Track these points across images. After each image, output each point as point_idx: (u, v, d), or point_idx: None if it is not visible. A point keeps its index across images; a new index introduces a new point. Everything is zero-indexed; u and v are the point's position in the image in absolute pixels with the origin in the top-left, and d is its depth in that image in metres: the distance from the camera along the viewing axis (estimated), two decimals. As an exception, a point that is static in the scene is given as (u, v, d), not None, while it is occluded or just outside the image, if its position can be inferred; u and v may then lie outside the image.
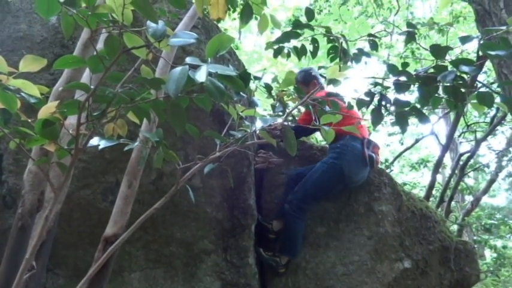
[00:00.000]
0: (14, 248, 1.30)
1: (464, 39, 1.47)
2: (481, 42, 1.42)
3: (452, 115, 7.14)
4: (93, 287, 1.42)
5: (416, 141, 8.05)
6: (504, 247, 7.35)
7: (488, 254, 8.73)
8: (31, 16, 2.52)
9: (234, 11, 5.48)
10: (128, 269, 2.60)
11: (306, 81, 3.13)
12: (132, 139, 1.53)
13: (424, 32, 6.78)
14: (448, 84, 1.53)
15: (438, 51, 1.43)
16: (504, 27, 1.47)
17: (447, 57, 1.55)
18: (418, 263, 3.07)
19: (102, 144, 1.36)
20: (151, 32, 1.09)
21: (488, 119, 7.04)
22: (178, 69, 1.04)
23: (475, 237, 7.87)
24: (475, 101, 1.66)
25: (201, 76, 0.99)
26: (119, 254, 2.28)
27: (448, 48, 1.43)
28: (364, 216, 3.03)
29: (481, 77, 6.43)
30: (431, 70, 1.56)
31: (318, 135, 4.97)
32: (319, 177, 2.88)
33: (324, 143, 3.54)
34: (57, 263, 2.56)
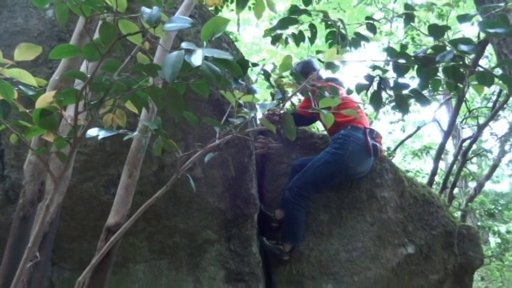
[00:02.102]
0: (16, 238, 1.31)
1: (463, 18, 1.45)
2: (480, 20, 1.40)
3: (453, 101, 7.11)
4: (97, 276, 1.43)
5: (418, 128, 8.01)
6: (508, 232, 7.35)
7: (493, 240, 8.74)
8: (27, 10, 2.51)
9: (231, 2, 5.44)
10: (132, 261, 2.62)
11: (303, 71, 3.12)
12: (132, 131, 1.52)
13: (424, 18, 6.72)
14: (447, 65, 1.52)
15: (436, 30, 1.42)
16: (502, 4, 1.46)
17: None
18: (422, 248, 3.08)
19: (102, 134, 1.36)
20: (146, 17, 1.08)
21: (490, 104, 7.00)
22: (174, 53, 1.04)
23: (479, 223, 7.87)
24: (475, 82, 1.65)
25: (196, 60, 0.98)
26: (123, 245, 2.30)
27: (446, 28, 1.42)
28: (367, 203, 3.04)
29: (483, 62, 6.38)
30: (430, 51, 1.55)
31: (319, 125, 4.96)
32: (320, 166, 2.88)
33: (325, 132, 3.53)
34: (62, 256, 2.57)
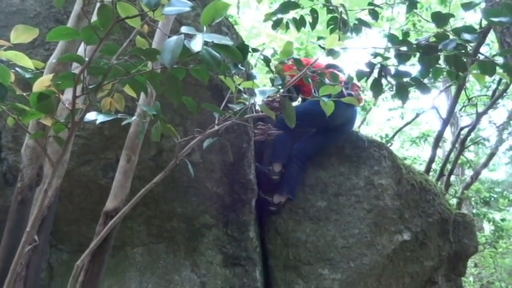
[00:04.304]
0: (14, 222, 1.31)
1: (467, 6, 1.43)
2: (484, 8, 1.38)
3: (453, 89, 7.08)
4: (95, 259, 1.44)
5: (417, 115, 8.00)
6: (503, 220, 7.42)
7: (488, 227, 8.83)
8: (23, -10, 2.46)
9: (231, -16, 5.35)
10: (130, 244, 2.64)
11: None
12: (130, 116, 1.51)
13: (425, 4, 6.64)
14: (449, 54, 1.50)
15: (439, 18, 1.40)
16: (508, -8, 1.44)
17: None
18: (417, 235, 3.10)
19: (100, 119, 1.35)
20: (145, 0, 1.06)
21: (489, 93, 6.98)
22: (174, 38, 1.02)
23: (474, 211, 7.94)
24: (476, 71, 1.64)
25: (196, 45, 0.97)
26: (121, 229, 2.31)
27: (449, 16, 1.40)
28: (364, 190, 3.05)
29: (484, 49, 6.33)
30: (433, 39, 1.53)
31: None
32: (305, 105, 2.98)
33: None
34: (60, 239, 2.59)
